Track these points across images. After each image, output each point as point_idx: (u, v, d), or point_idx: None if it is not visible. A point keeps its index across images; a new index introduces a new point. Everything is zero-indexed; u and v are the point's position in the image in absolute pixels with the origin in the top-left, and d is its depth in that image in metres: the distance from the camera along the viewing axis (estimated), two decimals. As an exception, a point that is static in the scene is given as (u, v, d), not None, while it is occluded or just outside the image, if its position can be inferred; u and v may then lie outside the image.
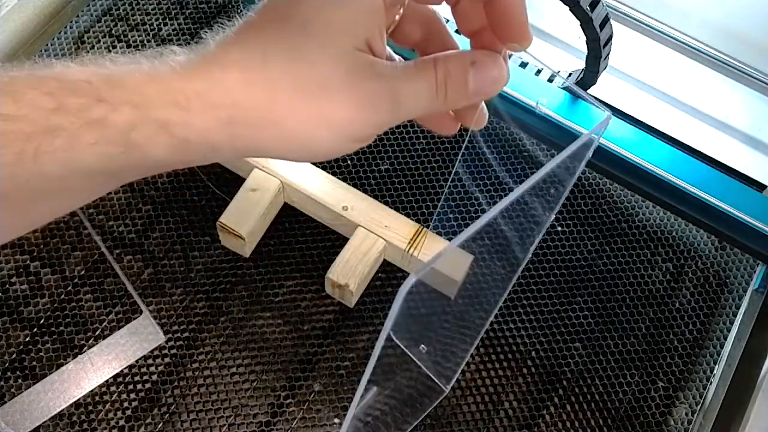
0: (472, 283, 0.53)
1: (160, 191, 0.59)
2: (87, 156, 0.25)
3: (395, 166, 0.61)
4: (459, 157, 0.58)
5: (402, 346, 0.52)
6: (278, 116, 0.27)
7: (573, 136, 0.57)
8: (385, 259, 0.56)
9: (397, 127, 0.63)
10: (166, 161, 0.26)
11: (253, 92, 0.26)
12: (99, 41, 0.66)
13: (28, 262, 0.55)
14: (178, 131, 0.25)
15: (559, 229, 0.60)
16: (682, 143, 0.59)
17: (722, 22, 0.61)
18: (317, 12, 0.27)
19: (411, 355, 0.52)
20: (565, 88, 0.58)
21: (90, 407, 0.50)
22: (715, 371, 0.55)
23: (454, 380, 0.52)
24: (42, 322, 0.53)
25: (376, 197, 0.56)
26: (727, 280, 0.59)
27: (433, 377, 0.52)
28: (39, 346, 0.52)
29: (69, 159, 0.24)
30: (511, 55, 0.34)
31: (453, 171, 0.60)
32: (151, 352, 0.52)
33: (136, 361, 0.52)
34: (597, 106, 0.33)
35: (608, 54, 0.53)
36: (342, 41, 0.27)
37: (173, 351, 0.53)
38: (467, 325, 0.52)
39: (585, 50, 0.52)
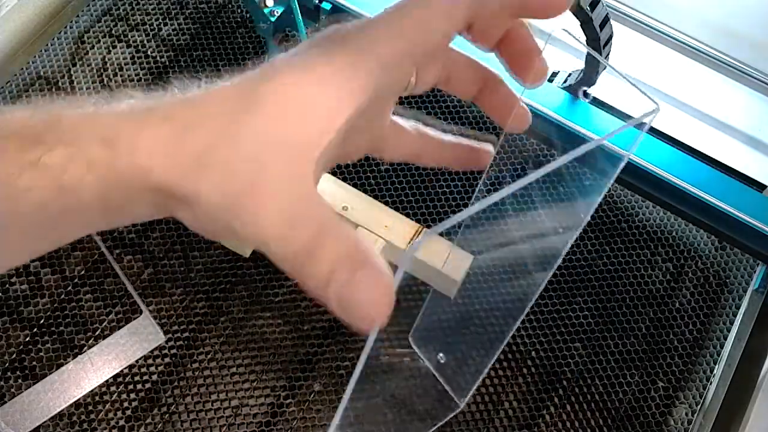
0: (489, 289, 0.53)
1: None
2: (21, 205, 0.23)
3: (395, 166, 0.61)
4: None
5: (420, 355, 0.52)
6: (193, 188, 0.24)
7: (575, 137, 0.57)
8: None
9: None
10: (102, 206, 0.24)
11: (177, 156, 0.24)
12: (99, 41, 0.66)
13: (28, 262, 0.55)
14: (102, 172, 0.23)
15: (560, 230, 0.60)
16: (682, 143, 0.59)
17: (722, 22, 0.61)
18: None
19: (429, 365, 0.51)
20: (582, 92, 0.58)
21: (90, 407, 0.50)
22: (715, 371, 0.55)
23: (469, 396, 0.51)
24: (42, 322, 0.53)
25: (376, 197, 0.56)
26: (727, 280, 0.59)
27: (448, 390, 0.51)
28: (39, 346, 0.52)
29: (6, 209, 0.23)
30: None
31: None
32: (151, 352, 0.52)
33: (136, 361, 0.52)
34: (646, 95, 0.32)
35: (608, 54, 0.53)
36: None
37: (173, 351, 0.53)
38: (485, 334, 0.52)
39: (585, 50, 0.52)
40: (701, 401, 0.54)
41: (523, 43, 0.29)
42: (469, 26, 0.28)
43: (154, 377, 0.52)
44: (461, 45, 0.30)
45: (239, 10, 0.68)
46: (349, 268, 0.23)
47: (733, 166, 0.59)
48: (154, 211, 0.26)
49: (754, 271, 0.59)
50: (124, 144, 0.23)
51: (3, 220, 0.23)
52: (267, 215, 0.23)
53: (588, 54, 0.52)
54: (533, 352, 0.55)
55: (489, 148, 0.34)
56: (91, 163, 0.23)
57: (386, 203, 0.56)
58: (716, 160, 0.59)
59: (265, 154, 0.24)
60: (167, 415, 0.51)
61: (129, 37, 0.66)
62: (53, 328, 0.53)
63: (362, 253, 0.23)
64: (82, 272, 0.55)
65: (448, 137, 0.34)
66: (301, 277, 0.23)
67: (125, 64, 0.65)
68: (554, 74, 0.60)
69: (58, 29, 0.66)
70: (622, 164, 0.33)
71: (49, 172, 0.23)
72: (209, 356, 0.53)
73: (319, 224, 0.24)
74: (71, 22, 0.66)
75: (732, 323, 0.57)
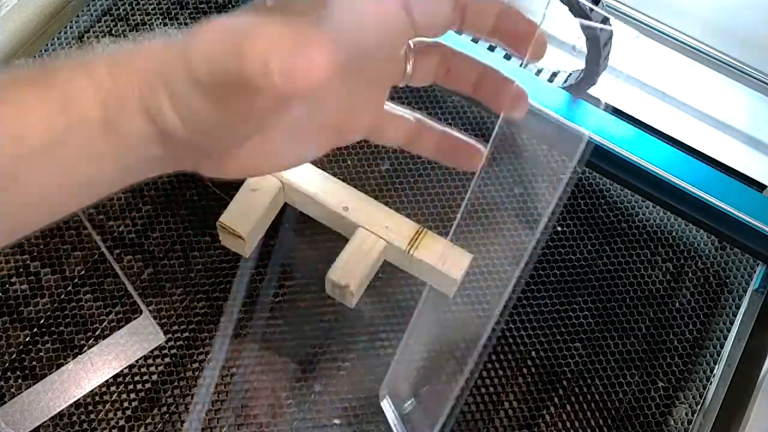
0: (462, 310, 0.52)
1: (160, 191, 0.59)
2: (29, 120, 0.26)
3: (395, 166, 0.61)
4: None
5: (389, 410, 0.50)
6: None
7: (575, 136, 0.57)
8: (385, 260, 0.56)
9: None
10: (102, 120, 0.26)
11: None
12: (99, 41, 0.66)
13: (28, 262, 0.55)
14: (103, 80, 0.26)
15: (559, 229, 0.60)
16: (682, 143, 0.59)
17: (722, 22, 0.61)
18: None
19: (394, 418, 0.49)
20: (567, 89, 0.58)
21: (90, 407, 0.50)
22: (715, 371, 0.55)
23: None
24: (42, 322, 0.53)
25: (376, 197, 0.56)
26: (727, 280, 0.59)
27: None
28: (39, 346, 0.52)
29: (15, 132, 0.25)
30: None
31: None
32: (151, 352, 0.52)
33: (136, 361, 0.52)
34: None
35: (608, 54, 0.53)
36: None
37: (173, 351, 0.53)
38: (452, 361, 0.51)
39: (585, 50, 0.52)
40: (701, 401, 0.54)
41: (516, 23, 0.30)
42: (462, 19, 0.30)
43: (154, 377, 0.52)
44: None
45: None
46: (287, 44, 0.23)
47: (733, 166, 0.59)
48: (150, 129, 0.27)
49: (754, 271, 0.59)
50: (125, 56, 0.26)
51: (17, 150, 0.25)
52: (206, 32, 0.25)
53: (588, 54, 0.52)
54: (533, 352, 0.55)
55: (480, 147, 0.35)
56: (92, 73, 0.26)
57: (386, 203, 0.56)
58: (716, 160, 0.59)
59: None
60: (167, 415, 0.51)
61: (129, 37, 0.66)
62: (53, 328, 0.53)
63: (300, 28, 0.23)
64: (82, 272, 0.55)
65: (443, 126, 0.35)
66: (245, 79, 0.23)
67: (125, 64, 0.65)
68: (554, 74, 0.60)
69: (58, 29, 0.66)
70: (583, 145, 0.34)
71: (56, 88, 0.26)
72: (209, 356, 0.53)
73: (250, 27, 0.24)
74: (71, 22, 0.66)
75: (732, 323, 0.57)
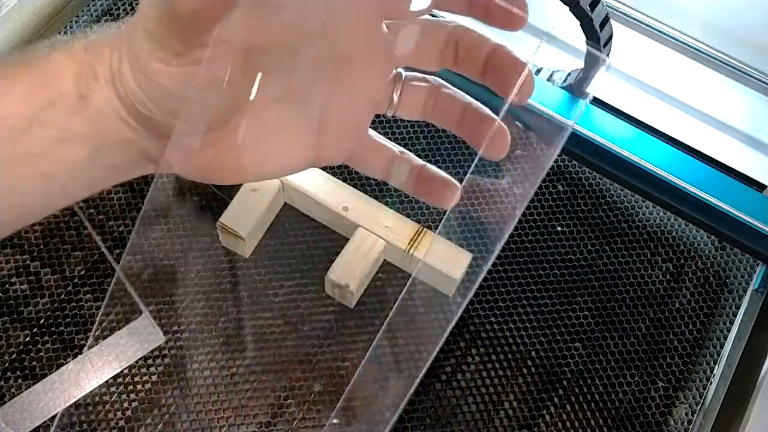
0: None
1: (159, 191, 0.59)
2: (13, 90, 0.27)
3: (395, 166, 0.61)
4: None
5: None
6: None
7: (575, 136, 0.57)
8: (385, 260, 0.56)
9: (397, 126, 0.63)
10: (76, 91, 0.27)
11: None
12: (99, 41, 0.66)
13: (28, 262, 0.55)
14: (78, 54, 0.28)
15: (559, 229, 0.60)
16: (682, 143, 0.59)
17: (722, 22, 0.61)
18: None
19: None
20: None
21: (90, 407, 0.50)
22: (715, 371, 0.55)
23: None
24: (42, 322, 0.53)
25: (376, 197, 0.56)
26: (727, 280, 0.59)
27: None
28: (39, 346, 0.52)
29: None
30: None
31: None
32: (151, 352, 0.52)
33: (136, 362, 0.52)
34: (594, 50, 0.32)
35: (608, 54, 0.53)
36: None
37: (173, 351, 0.53)
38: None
39: (585, 50, 0.52)
40: (701, 401, 0.54)
41: (505, 62, 0.30)
42: (454, 57, 0.31)
43: (154, 378, 0.52)
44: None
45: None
46: None
47: (733, 166, 0.59)
48: (117, 102, 0.28)
49: (754, 271, 0.59)
50: (104, 33, 0.28)
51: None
52: None
53: (587, 53, 0.52)
54: (533, 352, 0.55)
55: (455, 183, 0.35)
56: (70, 50, 0.28)
57: (386, 203, 0.56)
58: (716, 160, 0.59)
59: None
60: (167, 416, 0.51)
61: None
62: (53, 328, 0.53)
63: None
64: (82, 272, 0.55)
65: (422, 161, 0.35)
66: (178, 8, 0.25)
67: (125, 64, 0.65)
68: (554, 73, 0.59)
69: (58, 29, 0.66)
70: (567, 134, 0.33)
71: (37, 66, 0.27)
72: (209, 356, 0.53)
73: None
74: (71, 22, 0.66)
75: (732, 323, 0.57)
